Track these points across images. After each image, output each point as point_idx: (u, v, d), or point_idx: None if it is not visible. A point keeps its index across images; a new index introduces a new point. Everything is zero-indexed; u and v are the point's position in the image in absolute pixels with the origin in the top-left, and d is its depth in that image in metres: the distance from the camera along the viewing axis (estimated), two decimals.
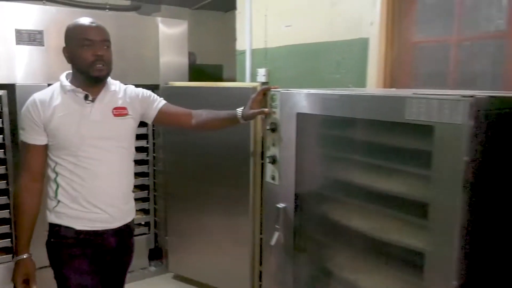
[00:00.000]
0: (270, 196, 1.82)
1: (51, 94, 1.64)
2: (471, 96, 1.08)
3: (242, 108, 1.82)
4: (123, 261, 1.85)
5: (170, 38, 3.47)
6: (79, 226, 1.65)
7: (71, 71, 1.68)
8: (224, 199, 2.91)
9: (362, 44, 2.37)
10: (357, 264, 1.62)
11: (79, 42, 1.57)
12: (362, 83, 2.38)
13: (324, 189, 1.74)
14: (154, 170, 3.44)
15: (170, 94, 3.04)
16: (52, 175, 1.66)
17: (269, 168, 1.81)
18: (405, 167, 1.39)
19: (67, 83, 1.64)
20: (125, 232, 1.79)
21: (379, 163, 1.47)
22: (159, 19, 3.42)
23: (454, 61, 2.09)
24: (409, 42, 2.25)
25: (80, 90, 1.62)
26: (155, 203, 3.49)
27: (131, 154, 1.81)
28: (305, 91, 1.62)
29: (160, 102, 1.87)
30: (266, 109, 1.76)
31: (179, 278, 3.21)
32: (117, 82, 1.79)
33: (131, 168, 1.82)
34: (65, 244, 1.66)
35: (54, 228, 1.67)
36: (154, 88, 3.23)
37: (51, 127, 1.60)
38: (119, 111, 1.71)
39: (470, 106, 1.07)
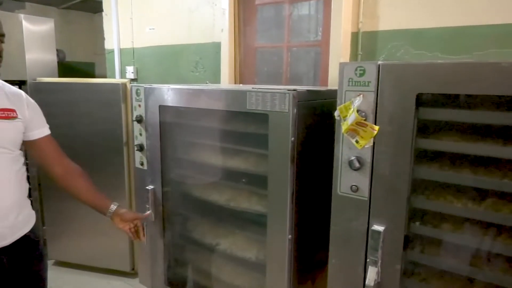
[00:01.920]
0: (140, 180, 1.72)
1: None
2: (294, 90, 1.15)
3: (116, 205, 1.46)
4: (30, 279, 1.34)
5: (35, 35, 3.00)
6: None
7: None
8: (101, 186, 2.64)
9: (216, 47, 2.38)
10: (217, 230, 1.63)
11: None
12: (217, 80, 2.39)
13: (186, 170, 1.71)
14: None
15: (38, 89, 2.65)
16: None
17: (138, 155, 1.70)
18: (249, 148, 1.43)
19: None
20: (23, 246, 1.30)
21: (228, 146, 1.49)
22: (22, 15, 2.92)
23: (286, 63, 2.23)
24: (252, 47, 2.33)
25: None
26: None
27: (20, 158, 1.32)
28: (166, 86, 1.55)
29: (45, 128, 1.38)
30: (143, 238, 1.50)
31: (59, 263, 2.86)
32: (0, 81, 1.31)
33: (21, 174, 1.33)
34: None
35: None
36: (21, 84, 2.79)
37: None
38: (7, 113, 1.25)
39: (293, 97, 1.14)
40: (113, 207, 1.45)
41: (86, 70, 4.76)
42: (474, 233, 0.99)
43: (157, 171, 1.63)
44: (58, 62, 3.22)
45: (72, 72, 4.20)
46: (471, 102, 0.94)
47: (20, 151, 1.32)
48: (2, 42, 1.26)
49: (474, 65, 0.87)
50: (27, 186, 1.37)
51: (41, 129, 1.37)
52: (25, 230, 1.33)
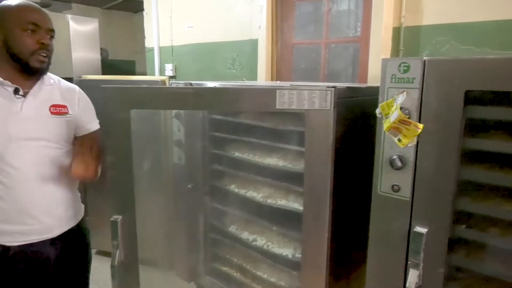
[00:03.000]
0: (180, 176, 1.76)
1: None
2: (333, 87, 1.13)
3: None
4: (75, 269, 1.41)
5: (81, 35, 3.17)
6: (7, 241, 1.22)
7: None
8: None
9: (253, 45, 2.39)
10: (254, 226, 1.64)
11: (22, 25, 1.16)
12: (254, 77, 2.41)
13: (223, 166, 1.73)
14: None
15: (83, 87, 2.75)
16: None
17: (175, 151, 1.75)
18: (286, 145, 1.42)
19: None
20: (69, 237, 1.35)
21: (264, 143, 1.49)
22: (69, 16, 3.10)
23: (323, 60, 2.20)
24: (290, 44, 2.32)
25: (8, 82, 1.19)
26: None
27: (71, 153, 1.36)
28: (203, 82, 1.58)
29: (93, 124, 1.41)
30: None
31: (101, 253, 3.00)
32: (56, 77, 1.36)
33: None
34: None
35: None
36: (67, 81, 2.96)
37: None
38: (58, 109, 1.28)
39: (333, 95, 1.12)
40: None
41: (127, 68, 4.94)
42: None
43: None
44: (101, 60, 3.38)
45: (114, 69, 4.37)
46: None
47: (71, 146, 1.37)
48: (52, 37, 1.29)
49: None
50: (77, 180, 1.42)
51: (90, 124, 1.41)
52: (72, 223, 1.39)
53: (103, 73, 3.37)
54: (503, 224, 0.97)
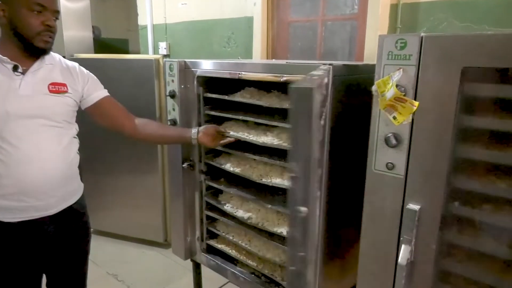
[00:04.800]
0: (175, 156, 1.75)
1: None
2: (330, 65, 1.12)
3: (197, 129, 1.50)
4: (74, 247, 1.44)
5: (72, 12, 3.09)
6: (6, 218, 1.24)
7: None
8: (135, 160, 2.77)
9: (248, 22, 2.35)
10: (249, 204, 1.65)
11: (29, 5, 1.16)
12: (249, 55, 2.38)
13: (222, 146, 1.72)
14: None
15: None
16: None
17: None
18: (282, 123, 1.41)
19: None
20: (68, 215, 1.37)
21: (262, 122, 1.48)
22: None
23: (320, 37, 2.17)
24: (286, 21, 2.28)
25: (7, 59, 1.20)
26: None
27: (71, 131, 1.37)
28: (198, 61, 1.56)
29: (103, 91, 1.44)
30: (232, 139, 1.54)
31: (98, 232, 3.03)
32: (57, 55, 1.37)
33: (71, 147, 1.37)
34: None
35: None
36: None
37: None
38: (57, 87, 1.29)
39: (330, 72, 1.11)
40: (194, 136, 1.49)
41: (120, 47, 4.84)
42: None
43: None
44: (93, 38, 3.31)
45: (107, 48, 4.29)
46: None
47: (70, 125, 1.37)
48: (57, 18, 1.28)
49: None
50: (77, 158, 1.42)
51: (98, 92, 1.43)
52: (71, 201, 1.39)
53: (96, 52, 3.31)
54: (496, 202, 0.98)
